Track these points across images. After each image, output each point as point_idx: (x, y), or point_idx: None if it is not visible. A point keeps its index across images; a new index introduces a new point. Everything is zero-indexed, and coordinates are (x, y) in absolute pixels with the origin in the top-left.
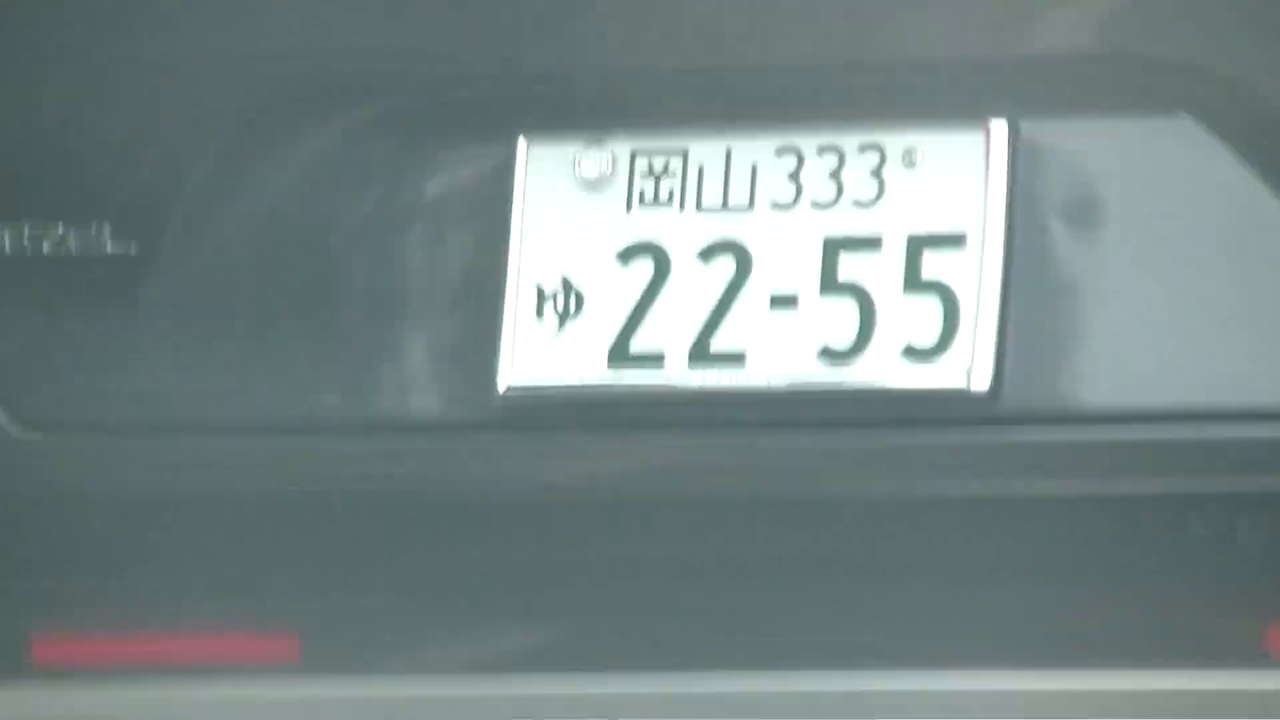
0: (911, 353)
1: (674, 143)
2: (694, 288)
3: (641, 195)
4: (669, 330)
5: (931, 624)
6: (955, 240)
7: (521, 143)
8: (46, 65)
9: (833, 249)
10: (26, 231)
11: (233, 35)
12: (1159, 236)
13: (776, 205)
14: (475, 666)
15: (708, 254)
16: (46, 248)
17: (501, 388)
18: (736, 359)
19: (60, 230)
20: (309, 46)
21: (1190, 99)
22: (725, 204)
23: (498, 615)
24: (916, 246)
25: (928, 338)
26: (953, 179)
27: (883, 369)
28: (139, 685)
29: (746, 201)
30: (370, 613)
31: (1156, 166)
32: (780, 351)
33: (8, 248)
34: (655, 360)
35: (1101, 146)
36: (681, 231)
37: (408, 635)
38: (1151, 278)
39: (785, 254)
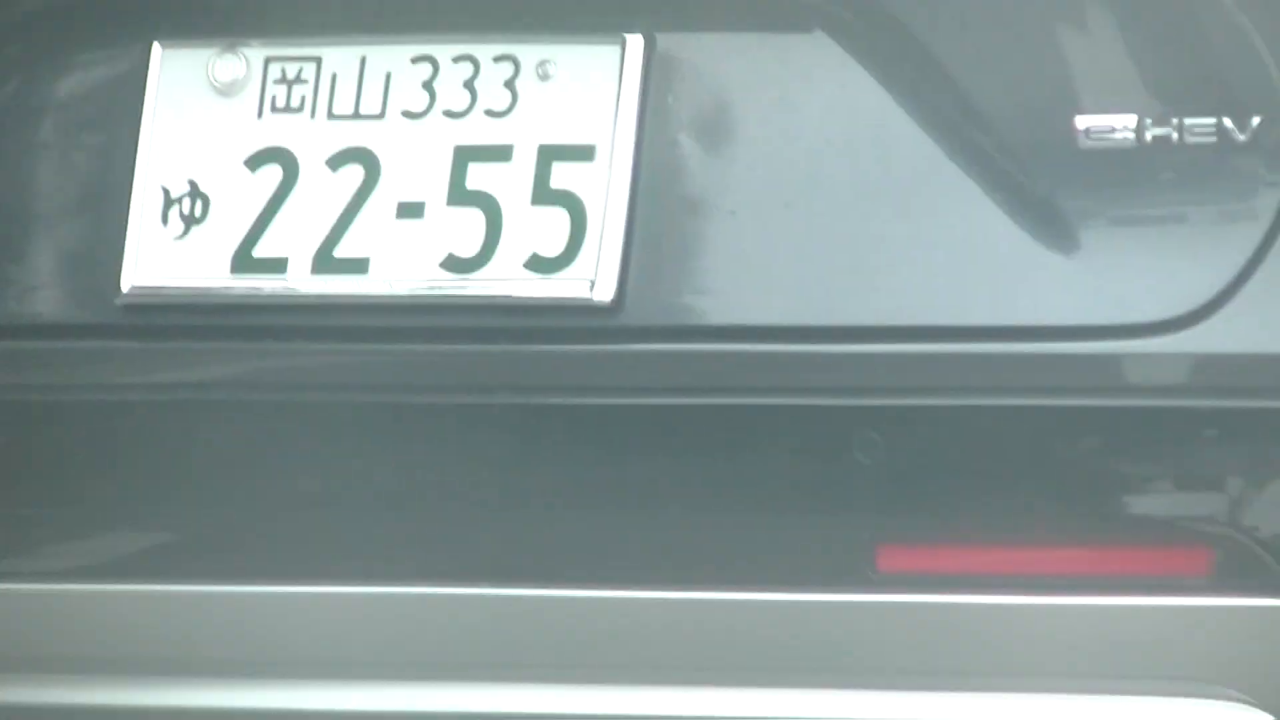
0: (537, 263)
1: (308, 50)
2: (322, 195)
3: (274, 101)
4: (294, 236)
5: (551, 542)
6: (585, 152)
7: (156, 48)
8: None
9: (463, 158)
10: None
11: None
12: (789, 154)
13: (409, 114)
14: (93, 572)
15: (337, 161)
16: None
17: (125, 288)
18: (360, 266)
19: None
20: None
21: (825, 16)
22: (357, 112)
23: (112, 520)
24: (547, 158)
25: (554, 248)
26: (586, 92)
27: (508, 278)
28: None
29: (379, 110)
30: None
31: (790, 82)
32: (405, 259)
33: None
34: (279, 266)
35: (737, 63)
36: (312, 138)
37: (26, 541)
38: (779, 195)
39: (415, 163)
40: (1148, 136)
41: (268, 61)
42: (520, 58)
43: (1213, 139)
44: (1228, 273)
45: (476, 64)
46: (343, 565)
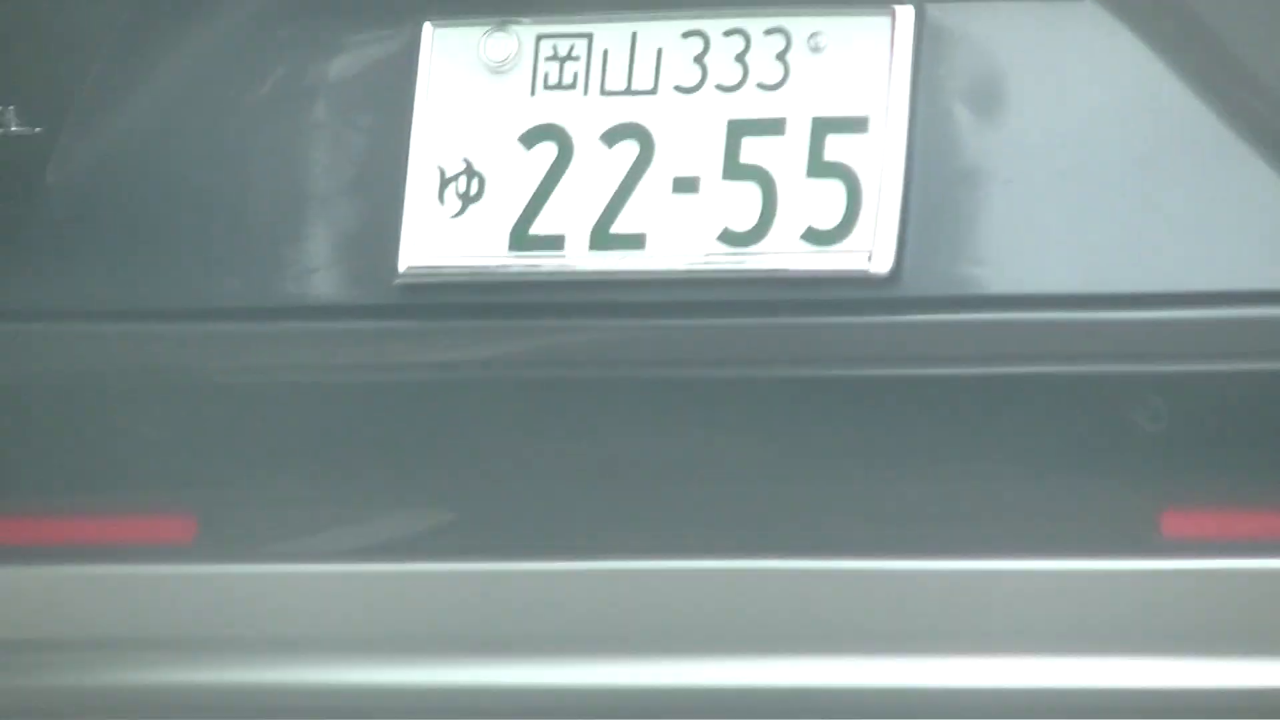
0: (813, 235)
1: (579, 27)
2: (596, 171)
3: (546, 79)
4: (570, 213)
5: (837, 511)
6: (859, 124)
7: (427, 27)
8: None
9: (736, 132)
10: None
11: None
12: (1062, 122)
13: (681, 89)
14: (374, 552)
15: (611, 137)
16: None
17: (402, 268)
18: (637, 242)
19: None
20: None
21: None
22: (629, 88)
23: (398, 501)
24: (820, 130)
25: (829, 221)
26: (857, 63)
27: (784, 252)
28: (35, 565)
29: (651, 85)
30: (272, 499)
31: (1061, 52)
32: (681, 234)
33: None
34: (556, 243)
35: (1007, 31)
36: (585, 115)
37: (310, 521)
38: (1053, 164)
39: (688, 137)
40: None
41: (539, 39)
42: (791, 30)
43: None
44: None
45: (747, 37)
46: (636, 538)
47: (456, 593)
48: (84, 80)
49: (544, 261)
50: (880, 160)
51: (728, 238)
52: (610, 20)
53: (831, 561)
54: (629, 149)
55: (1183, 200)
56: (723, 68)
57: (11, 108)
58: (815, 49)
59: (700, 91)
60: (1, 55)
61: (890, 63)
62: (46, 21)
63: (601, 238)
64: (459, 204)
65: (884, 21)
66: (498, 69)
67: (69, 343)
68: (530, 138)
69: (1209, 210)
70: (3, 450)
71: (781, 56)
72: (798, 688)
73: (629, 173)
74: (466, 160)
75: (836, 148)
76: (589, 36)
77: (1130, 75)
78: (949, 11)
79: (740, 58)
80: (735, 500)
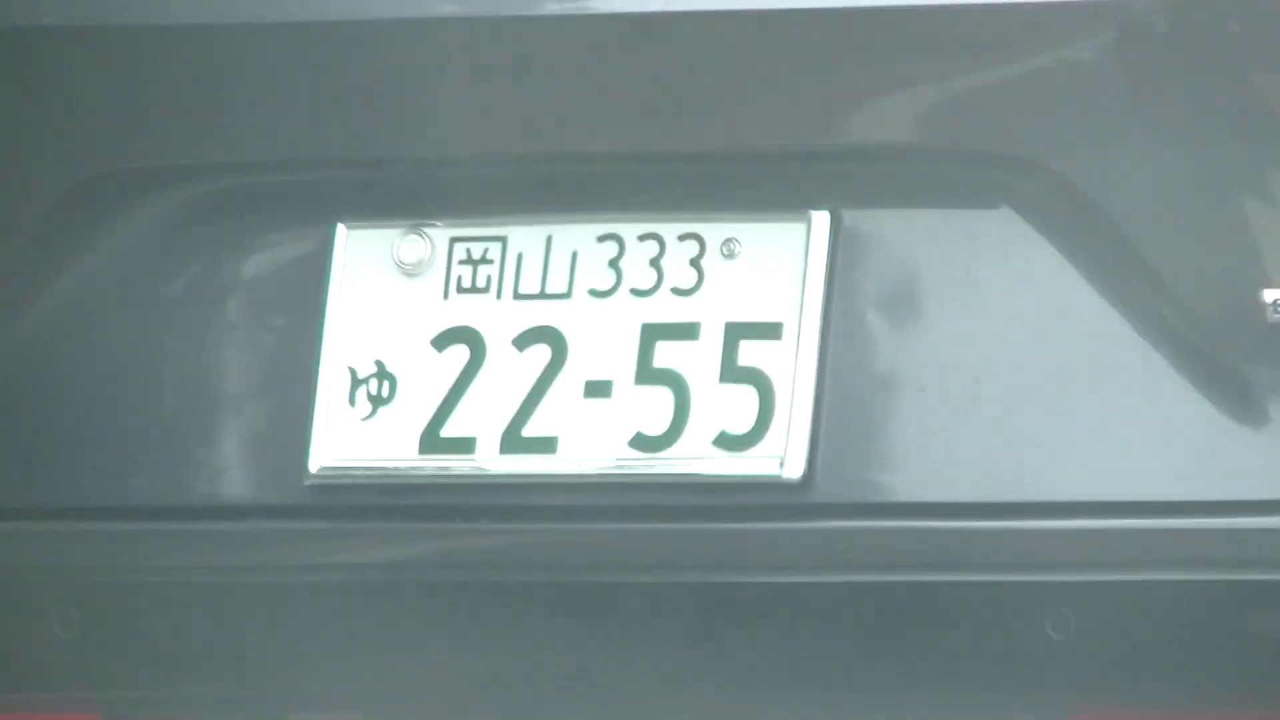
0: (725, 440)
1: (493, 230)
2: (508, 374)
3: (459, 281)
4: (481, 416)
5: (749, 718)
6: (772, 329)
7: (340, 228)
8: None
9: (650, 337)
10: None
11: (53, 114)
12: (976, 330)
13: (595, 293)
14: None
15: (523, 340)
16: None
17: (312, 469)
18: (548, 445)
19: None
20: (129, 128)
21: (1010, 191)
22: (543, 291)
23: (307, 703)
24: (734, 335)
25: (742, 426)
26: (772, 269)
27: (696, 457)
28: None
29: (565, 289)
30: (179, 700)
31: (976, 259)
32: (593, 438)
33: None
34: (466, 445)
35: (922, 238)
36: (498, 318)
37: None
38: (966, 371)
39: (602, 341)
40: None
41: (453, 242)
42: (706, 236)
43: None
44: None
45: (662, 242)
46: None
47: None
48: None
49: (455, 464)
50: (793, 366)
51: (640, 442)
52: (525, 223)
53: None
54: (542, 352)
55: (1093, 409)
56: (637, 272)
57: None
58: (730, 254)
59: (614, 295)
60: None
61: (805, 269)
62: None
63: (513, 441)
64: (370, 405)
65: (799, 228)
66: (410, 271)
67: None
68: (442, 340)
69: (1119, 420)
70: None
71: (696, 261)
72: None
73: (541, 376)
74: (378, 362)
75: (750, 353)
76: (503, 239)
77: (1045, 283)
78: (865, 218)
79: (655, 262)
80: (646, 706)
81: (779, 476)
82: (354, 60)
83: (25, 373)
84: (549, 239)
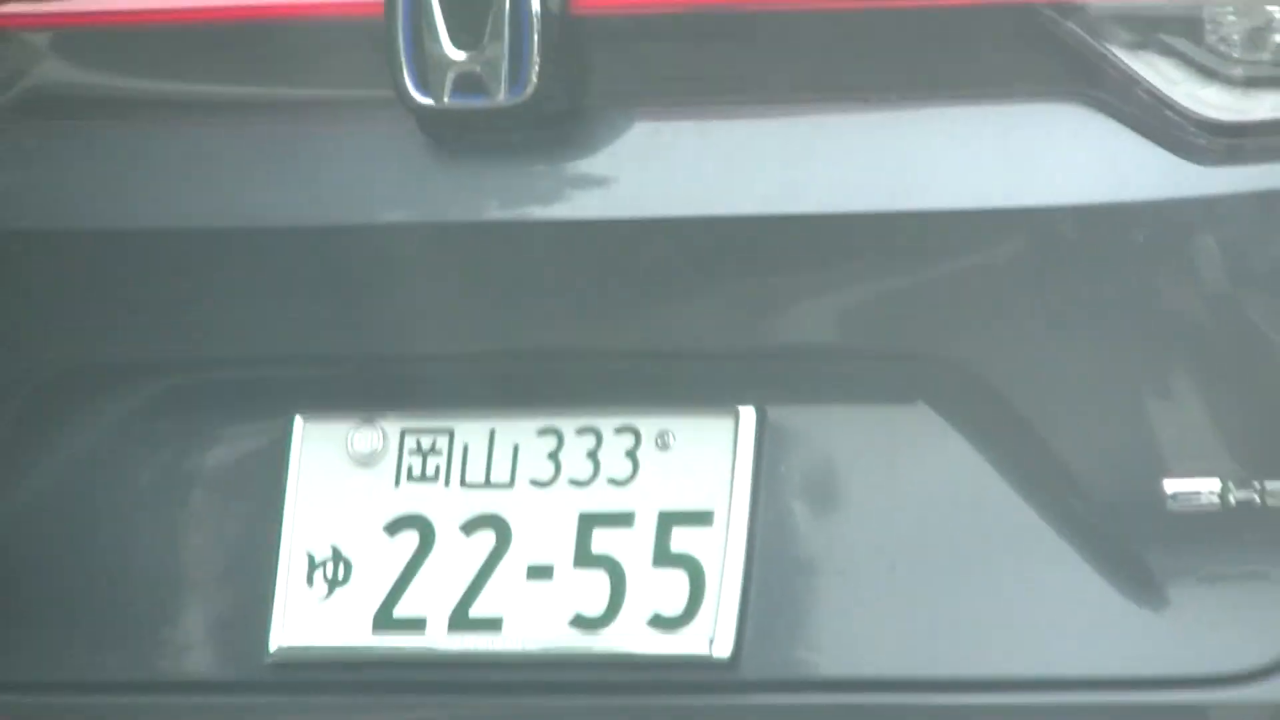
0: (659, 621)
1: (441, 423)
2: (456, 558)
3: (409, 471)
4: (431, 598)
5: None
6: (703, 517)
7: (298, 420)
8: None
9: (587, 524)
10: None
11: (13, 312)
12: (894, 517)
13: (536, 483)
14: None
15: (470, 527)
16: None
17: (272, 648)
18: (494, 625)
19: None
20: (89, 326)
21: (926, 389)
22: (488, 481)
23: None
24: (666, 523)
25: (674, 608)
26: (703, 460)
27: (631, 636)
28: None
29: (508, 479)
30: None
31: (894, 451)
32: (535, 619)
33: None
34: (417, 625)
35: (844, 432)
36: (446, 505)
37: None
38: (886, 556)
39: (542, 528)
40: (1231, 500)
41: (403, 433)
42: (640, 429)
43: None
44: None
45: (599, 435)
46: None
47: None
48: None
49: (406, 642)
50: (723, 551)
51: (579, 622)
52: (470, 417)
53: None
54: (487, 538)
55: (1003, 591)
56: (575, 463)
57: None
58: (663, 446)
59: (554, 485)
60: None
61: (734, 460)
62: None
63: (461, 621)
64: (327, 588)
65: (728, 422)
66: (364, 461)
67: None
68: (394, 526)
69: (1028, 601)
70: None
71: (631, 453)
72: None
73: (486, 560)
74: (334, 547)
75: (682, 539)
76: (450, 432)
77: (958, 474)
78: (790, 414)
79: (592, 454)
80: None
81: (709, 655)
82: (310, 263)
83: None
84: (493, 432)
